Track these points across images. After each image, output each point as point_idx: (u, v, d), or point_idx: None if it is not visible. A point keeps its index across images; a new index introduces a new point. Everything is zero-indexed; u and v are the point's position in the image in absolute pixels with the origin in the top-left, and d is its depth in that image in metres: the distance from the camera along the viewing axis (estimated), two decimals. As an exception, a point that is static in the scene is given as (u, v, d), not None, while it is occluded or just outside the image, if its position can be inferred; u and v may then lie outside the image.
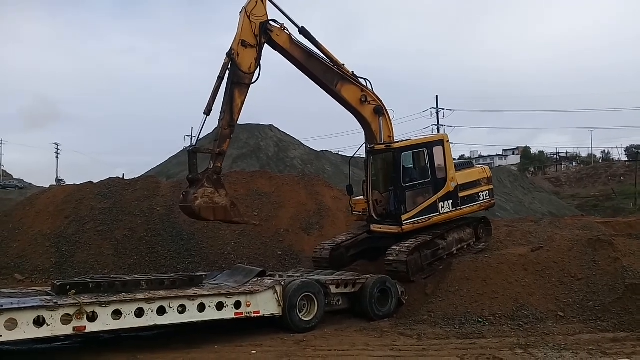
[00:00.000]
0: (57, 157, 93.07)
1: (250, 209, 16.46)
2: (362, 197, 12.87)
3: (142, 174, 37.11)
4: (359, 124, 12.70)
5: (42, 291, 8.51)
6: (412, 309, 10.47)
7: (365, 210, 12.39)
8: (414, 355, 7.83)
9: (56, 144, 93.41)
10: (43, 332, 6.98)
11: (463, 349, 8.12)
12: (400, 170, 11.64)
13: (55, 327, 7.01)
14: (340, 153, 55.55)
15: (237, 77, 10.40)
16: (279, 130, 50.46)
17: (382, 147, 12.11)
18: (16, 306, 7.02)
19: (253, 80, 10.59)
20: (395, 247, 11.22)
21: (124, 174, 23.22)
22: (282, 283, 9.09)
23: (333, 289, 9.75)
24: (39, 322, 6.94)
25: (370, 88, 12.31)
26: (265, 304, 8.78)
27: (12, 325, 6.76)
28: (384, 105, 12.38)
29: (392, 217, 11.77)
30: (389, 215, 11.93)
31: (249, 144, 45.85)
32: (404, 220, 11.48)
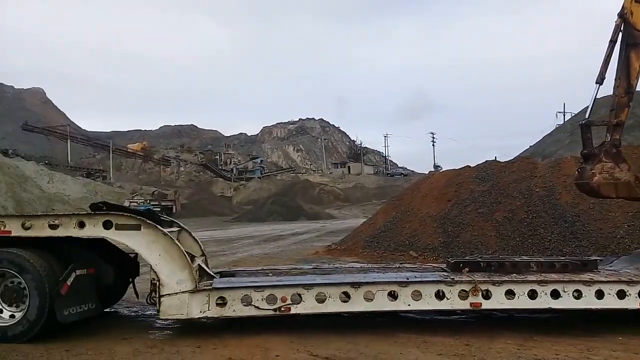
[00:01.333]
0: (433, 145, 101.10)
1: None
2: None
3: (515, 155, 36.82)
4: None
5: (438, 267, 9.29)
6: None
7: None
8: None
9: (432, 133, 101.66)
10: (443, 305, 7.60)
11: None
12: None
13: (454, 301, 7.55)
14: None
15: (632, 37, 9.16)
16: (675, 92, 42.51)
17: None
18: (419, 279, 7.86)
19: None
20: None
21: (495, 157, 23.50)
22: (702, 274, 7.62)
23: None
24: (439, 296, 7.59)
25: None
26: (680, 297, 7.50)
27: (417, 296, 7.59)
28: None
29: None
30: None
31: (635, 114, 40.13)
32: None
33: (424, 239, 16.88)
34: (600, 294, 7.54)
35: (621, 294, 7.54)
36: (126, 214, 7.20)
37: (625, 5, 9.20)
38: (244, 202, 78.74)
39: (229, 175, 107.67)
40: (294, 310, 7.24)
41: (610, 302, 7.55)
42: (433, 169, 77.77)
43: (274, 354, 6.34)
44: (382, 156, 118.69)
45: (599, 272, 8.39)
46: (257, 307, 7.13)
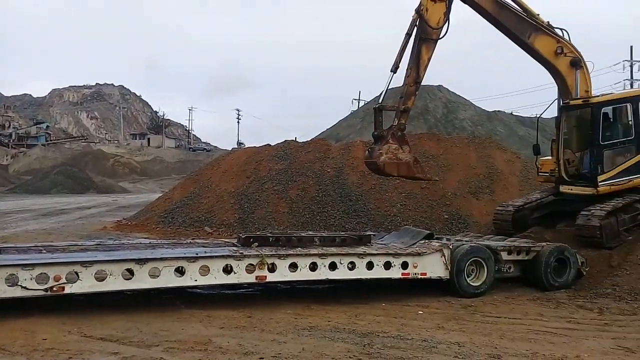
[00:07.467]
0: (238, 122, 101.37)
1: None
2: (550, 157, 12.04)
3: (314, 136, 38.77)
4: (548, 80, 11.87)
5: (229, 242, 9.42)
6: (593, 281, 9.61)
7: (554, 171, 11.57)
8: (594, 329, 7.24)
9: (237, 110, 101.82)
10: (230, 279, 7.75)
11: (654, 327, 7.30)
12: (599, 127, 10.71)
13: (241, 275, 7.74)
14: (514, 113, 52.01)
15: (425, 32, 10.25)
16: (449, 90, 48.85)
17: (579, 102, 11.12)
18: (209, 255, 7.89)
19: (441, 36, 10.34)
20: (589, 209, 10.31)
21: (295, 137, 24.43)
22: (450, 246, 8.94)
23: (504, 256, 9.33)
24: (227, 270, 7.71)
25: (568, 39, 11.31)
26: (432, 267, 8.72)
27: (205, 271, 7.61)
28: (582, 58, 11.26)
29: (586, 178, 10.88)
30: (582, 176, 11.02)
31: (416, 106, 45.10)
32: (600, 182, 10.58)
33: (220, 214, 16.95)
34: (370, 265, 8.39)
35: (387, 265, 8.50)
36: None
37: (422, 2, 10.26)
38: (23, 171, 70.22)
39: (6, 141, 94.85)
40: (69, 289, 6.72)
41: (379, 272, 8.45)
42: (236, 146, 78.31)
43: (40, 338, 5.80)
44: (186, 130, 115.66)
45: (372, 246, 9.35)
46: (25, 287, 6.45)
